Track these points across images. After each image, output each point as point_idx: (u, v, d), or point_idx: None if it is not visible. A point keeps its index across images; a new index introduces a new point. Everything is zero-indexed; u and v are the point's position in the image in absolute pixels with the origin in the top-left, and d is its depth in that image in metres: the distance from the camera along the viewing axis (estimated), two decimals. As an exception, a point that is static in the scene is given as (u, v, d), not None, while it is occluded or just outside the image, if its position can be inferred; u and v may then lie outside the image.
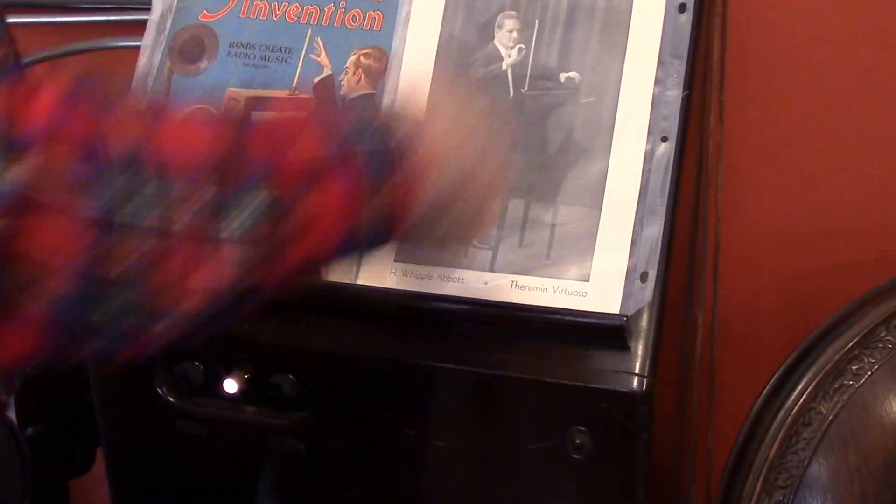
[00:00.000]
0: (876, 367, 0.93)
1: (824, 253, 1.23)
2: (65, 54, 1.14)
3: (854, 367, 0.93)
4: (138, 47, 0.97)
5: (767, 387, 0.97)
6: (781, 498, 0.92)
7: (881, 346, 0.93)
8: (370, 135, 0.56)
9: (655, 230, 0.81)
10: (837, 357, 0.93)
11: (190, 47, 0.95)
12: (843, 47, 1.16)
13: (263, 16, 0.94)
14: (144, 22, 0.98)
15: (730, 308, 1.25)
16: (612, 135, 0.84)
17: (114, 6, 1.25)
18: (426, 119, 0.62)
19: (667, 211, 0.81)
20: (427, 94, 0.84)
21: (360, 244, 0.59)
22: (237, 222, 0.51)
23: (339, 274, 0.86)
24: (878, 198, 1.20)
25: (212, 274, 0.51)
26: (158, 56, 0.95)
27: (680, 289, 1.11)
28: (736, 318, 1.26)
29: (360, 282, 0.85)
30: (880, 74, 1.16)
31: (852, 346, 0.93)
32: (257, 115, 0.58)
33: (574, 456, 0.81)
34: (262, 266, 0.53)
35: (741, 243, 1.23)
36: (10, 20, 1.20)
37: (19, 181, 0.48)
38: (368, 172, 0.55)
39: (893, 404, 0.92)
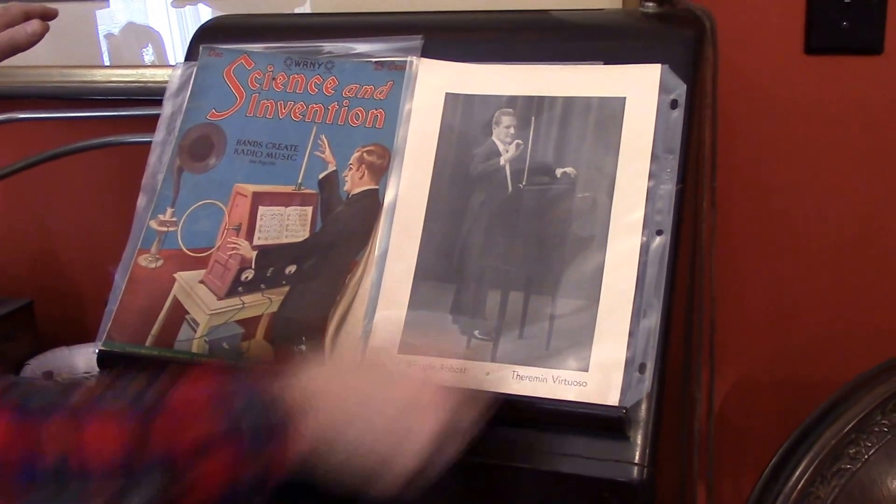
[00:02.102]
0: (873, 450, 0.94)
1: (818, 330, 1.25)
2: (77, 150, 1.16)
3: (851, 451, 0.94)
4: (149, 142, 1.00)
5: (766, 470, 0.97)
6: (783, 582, 0.93)
7: (877, 429, 0.94)
8: (256, 410, 0.68)
9: (652, 321, 0.82)
10: (835, 441, 0.94)
11: (199, 145, 0.97)
12: (830, 129, 1.19)
13: (270, 115, 0.97)
14: (155, 116, 1.01)
15: (727, 386, 1.26)
16: (609, 229, 0.85)
17: (125, 97, 1.29)
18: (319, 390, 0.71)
19: (663, 303, 0.82)
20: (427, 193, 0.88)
21: (240, 498, 0.69)
22: (136, 500, 0.64)
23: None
24: (871, 274, 1.22)
25: None
26: (168, 153, 0.98)
27: (677, 369, 1.12)
28: (733, 395, 1.27)
29: (364, 374, 0.87)
30: (866, 154, 1.19)
31: (849, 430, 0.94)
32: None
33: (577, 545, 0.81)
34: None
35: (736, 322, 1.25)
36: (23, 115, 1.24)
37: None
38: (250, 443, 0.67)
39: (890, 487, 0.93)
